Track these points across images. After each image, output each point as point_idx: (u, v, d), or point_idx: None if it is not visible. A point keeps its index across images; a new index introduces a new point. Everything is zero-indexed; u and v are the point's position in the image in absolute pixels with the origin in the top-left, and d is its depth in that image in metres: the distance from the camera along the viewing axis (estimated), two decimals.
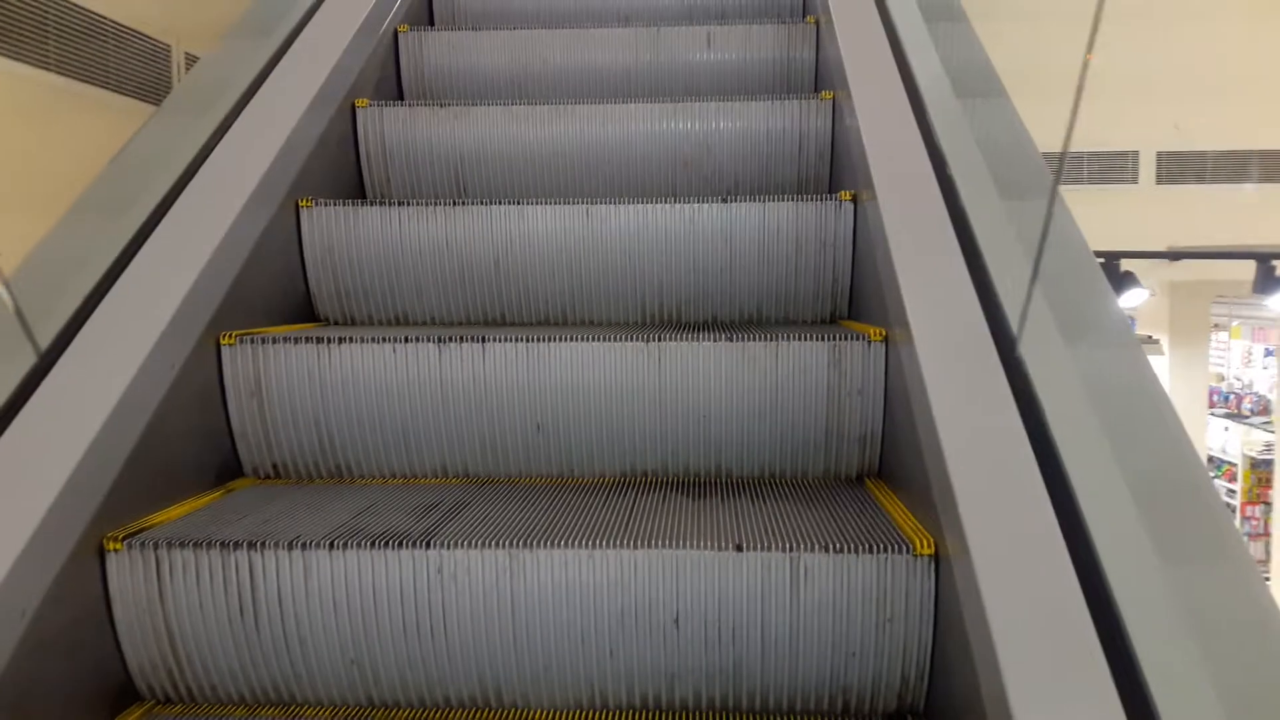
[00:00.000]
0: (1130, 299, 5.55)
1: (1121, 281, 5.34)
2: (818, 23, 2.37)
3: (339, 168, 2.02)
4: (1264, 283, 5.30)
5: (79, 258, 1.44)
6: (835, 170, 2.02)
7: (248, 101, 1.81)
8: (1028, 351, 1.15)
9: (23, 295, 1.37)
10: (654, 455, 1.48)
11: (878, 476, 1.46)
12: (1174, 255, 5.49)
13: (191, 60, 3.03)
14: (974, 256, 1.34)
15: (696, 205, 1.75)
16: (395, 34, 2.45)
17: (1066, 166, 5.07)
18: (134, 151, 1.72)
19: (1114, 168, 5.33)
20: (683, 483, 1.46)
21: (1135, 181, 5.39)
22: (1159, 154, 5.35)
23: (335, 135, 2.00)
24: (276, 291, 1.69)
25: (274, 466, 1.50)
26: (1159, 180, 5.38)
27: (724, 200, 1.74)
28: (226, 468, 1.49)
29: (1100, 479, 1.02)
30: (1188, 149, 5.33)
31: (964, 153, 1.55)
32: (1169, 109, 5.22)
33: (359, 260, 1.78)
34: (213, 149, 1.66)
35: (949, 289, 1.28)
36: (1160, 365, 8.16)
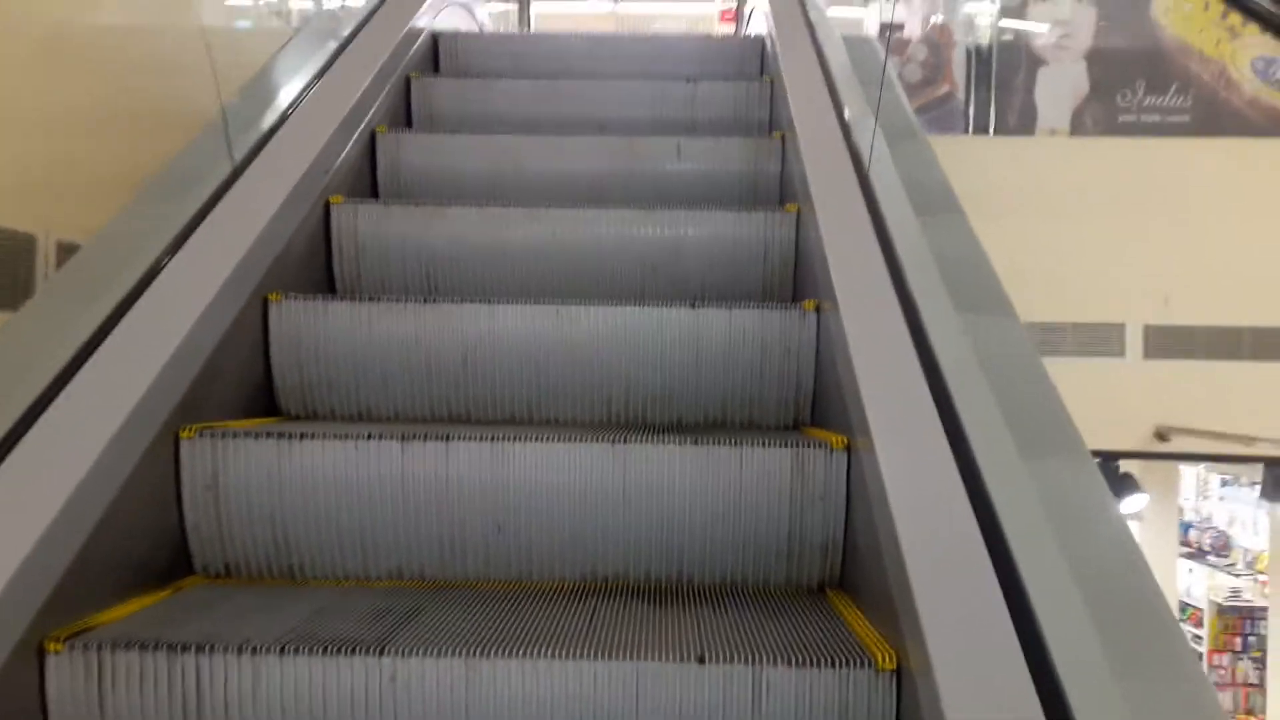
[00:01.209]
0: (1132, 504, 5.19)
1: (1121, 485, 5.03)
2: (783, 138, 2.47)
3: (309, 263, 2.03)
4: (1275, 490, 4.98)
5: (39, 348, 1.42)
6: (799, 279, 2.07)
7: (223, 195, 1.83)
8: (988, 468, 1.17)
9: None
10: (615, 559, 1.46)
11: (839, 586, 1.45)
12: (1175, 457, 5.16)
13: (65, 247, 2.22)
14: (932, 367, 1.38)
15: (665, 310, 1.78)
16: (373, 134, 2.51)
17: (1047, 336, 4.98)
18: (103, 243, 1.73)
19: (1099, 341, 5.10)
20: (643, 589, 1.44)
21: (1122, 355, 5.13)
22: (1146, 327, 5.10)
23: (307, 231, 2.02)
24: (238, 384, 1.68)
25: (226, 565, 1.46)
26: (1146, 355, 5.12)
27: (692, 306, 1.77)
28: (176, 565, 1.45)
29: (1057, 591, 1.03)
30: (1176, 323, 5.09)
31: (922, 267, 1.60)
32: (1156, 282, 5.05)
33: (325, 355, 1.77)
34: (185, 241, 1.67)
35: (909, 400, 1.31)
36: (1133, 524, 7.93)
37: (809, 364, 1.76)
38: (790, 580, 1.45)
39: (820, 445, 1.42)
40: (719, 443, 1.44)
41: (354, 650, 1.10)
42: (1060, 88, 5.78)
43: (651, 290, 2.12)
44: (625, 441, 1.45)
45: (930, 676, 0.95)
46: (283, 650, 1.10)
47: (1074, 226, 4.89)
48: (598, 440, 1.45)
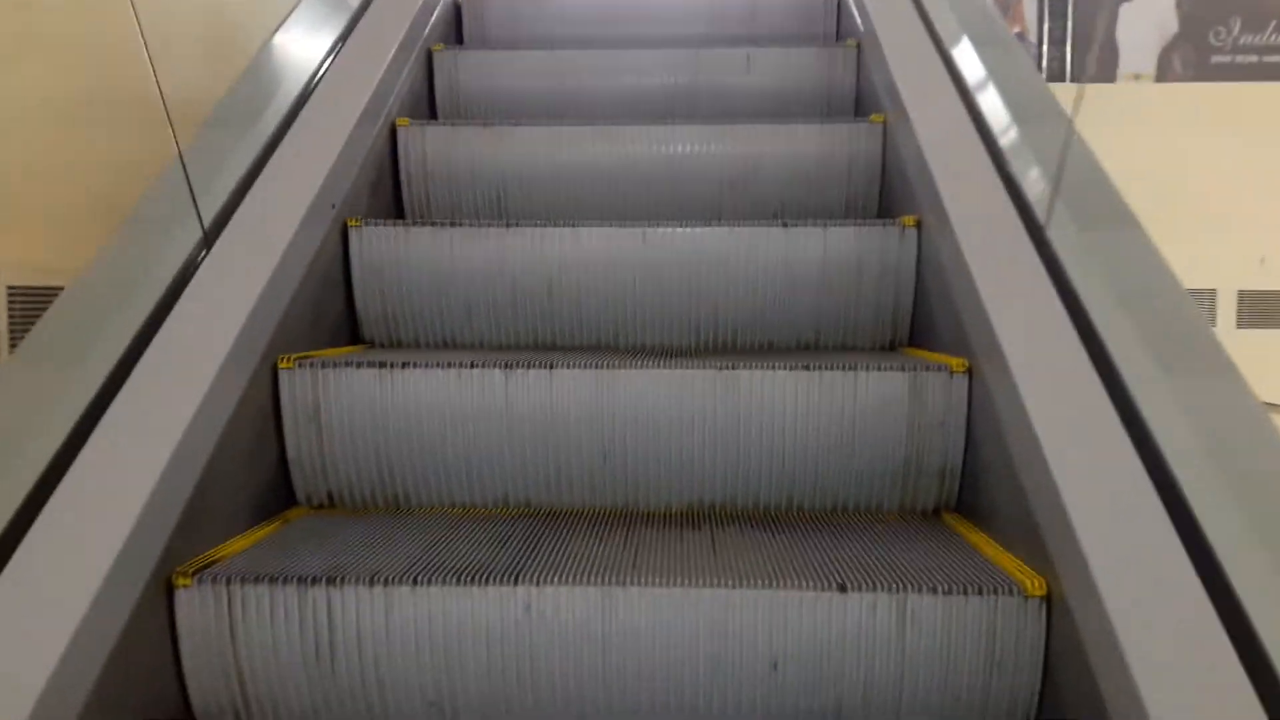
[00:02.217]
0: None
1: None
2: (859, 45, 2.35)
3: (379, 187, 1.97)
4: None
5: (132, 278, 1.39)
6: (886, 193, 1.99)
7: (295, 116, 1.77)
8: (1136, 386, 1.11)
9: (81, 319, 1.32)
10: (723, 487, 1.43)
11: (955, 510, 1.41)
12: None
13: (16, 291, 2.09)
14: (1060, 280, 1.31)
15: (755, 228, 1.71)
16: (429, 53, 2.42)
17: None
18: (189, 163, 1.67)
19: None
20: (755, 516, 1.41)
21: (1213, 325, 4.61)
22: (1240, 293, 4.65)
23: (377, 154, 1.96)
24: (322, 313, 1.64)
25: (329, 495, 1.44)
26: (1240, 324, 4.66)
27: (784, 225, 1.71)
28: (279, 496, 1.43)
29: (1227, 513, 0.99)
30: (1274, 288, 4.61)
31: (1036, 175, 1.52)
32: (1252, 242, 4.56)
33: (408, 282, 1.73)
34: (264, 164, 1.62)
35: (1041, 317, 1.25)
36: None
37: (908, 283, 1.70)
38: (905, 505, 1.41)
39: (939, 369, 1.37)
40: (831, 368, 1.39)
41: (488, 580, 1.08)
42: (1146, 26, 5.05)
43: (730, 208, 2.04)
44: (734, 368, 1.40)
45: (1098, 604, 0.91)
46: (415, 581, 1.08)
47: (1157, 183, 4.41)
48: (705, 366, 1.40)
